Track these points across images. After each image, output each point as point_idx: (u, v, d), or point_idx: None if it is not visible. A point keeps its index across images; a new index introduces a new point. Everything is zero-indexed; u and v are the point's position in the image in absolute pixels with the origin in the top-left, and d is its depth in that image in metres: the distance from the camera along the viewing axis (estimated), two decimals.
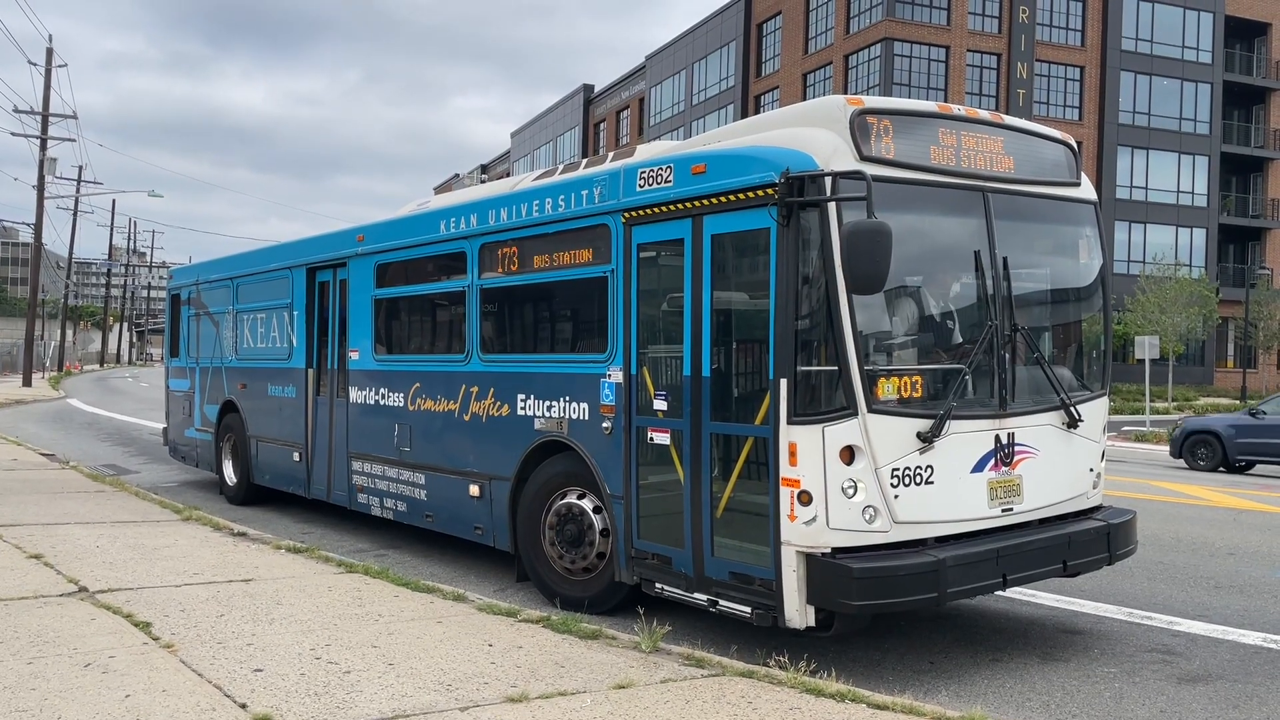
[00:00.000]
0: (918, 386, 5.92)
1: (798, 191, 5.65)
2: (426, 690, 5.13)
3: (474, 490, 8.33)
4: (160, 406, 16.49)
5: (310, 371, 11.00)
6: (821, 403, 5.65)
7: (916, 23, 46.14)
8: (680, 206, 6.38)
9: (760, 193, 5.84)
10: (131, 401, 34.70)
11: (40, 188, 41.99)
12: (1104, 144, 49.11)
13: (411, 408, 9.15)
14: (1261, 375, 52.13)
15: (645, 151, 7.53)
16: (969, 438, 6.03)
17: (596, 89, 77.66)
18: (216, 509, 11.67)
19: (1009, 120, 6.69)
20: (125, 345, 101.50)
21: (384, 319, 9.87)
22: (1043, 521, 6.48)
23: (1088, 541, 6.52)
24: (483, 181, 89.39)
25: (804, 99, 51.51)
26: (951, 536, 5.96)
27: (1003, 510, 6.20)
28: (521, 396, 7.81)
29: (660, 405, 6.54)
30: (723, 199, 6.09)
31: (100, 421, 26.23)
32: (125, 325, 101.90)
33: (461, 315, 8.57)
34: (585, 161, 8.17)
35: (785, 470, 5.65)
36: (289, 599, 6.95)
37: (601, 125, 76.37)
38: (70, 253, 69.06)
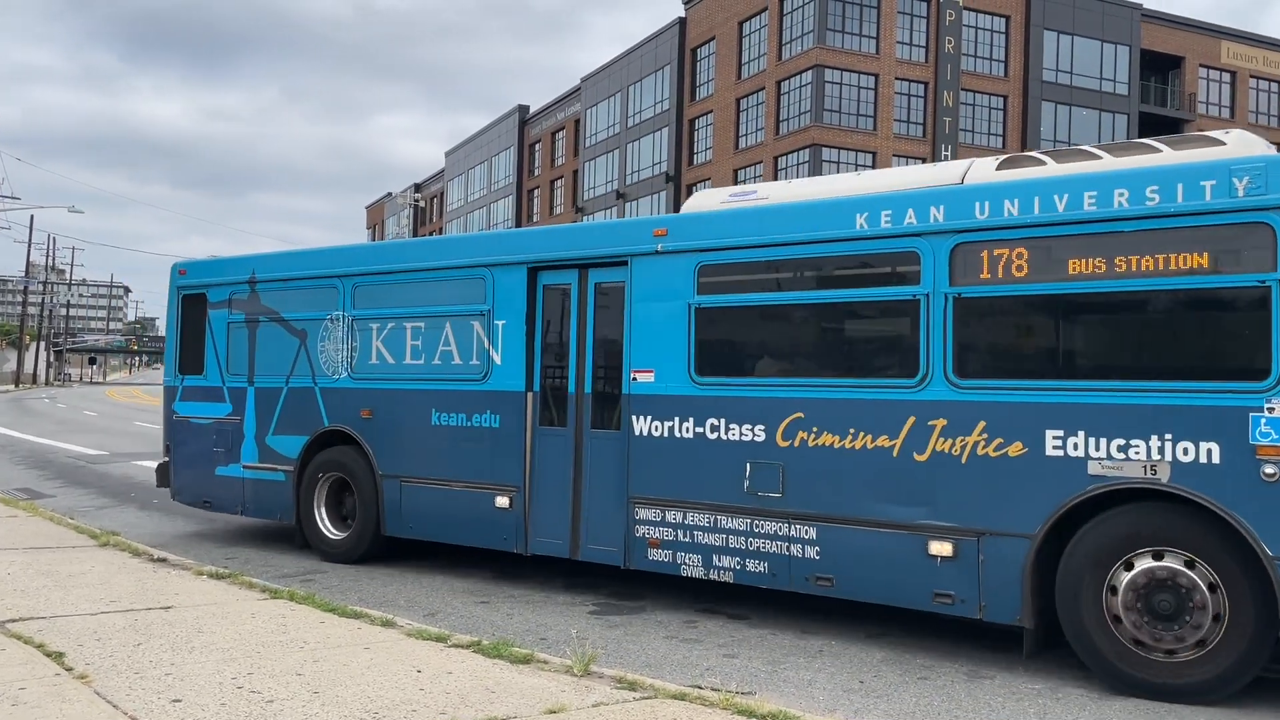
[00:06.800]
0: None
1: None
2: (352, 719, 5.02)
3: (940, 549, 6.74)
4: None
5: (531, 395, 8.89)
6: None
7: (847, 50, 47.04)
8: None
9: None
10: (48, 423, 33.58)
11: None
12: None
13: (784, 443, 7.44)
14: None
15: (1243, 139, 6.62)
16: None
17: (532, 110, 77.74)
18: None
19: None
20: (43, 365, 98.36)
21: (718, 333, 8.03)
22: None
23: None
24: (416, 202, 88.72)
25: (738, 124, 52.28)
26: None
27: None
28: (1055, 433, 6.36)
29: None
30: None
31: (14, 444, 25.31)
32: (43, 344, 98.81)
33: (902, 330, 7.12)
34: (1105, 148, 7.06)
35: None
36: (210, 627, 6.76)
37: (537, 145, 76.43)
38: None
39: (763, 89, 50.30)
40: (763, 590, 8.31)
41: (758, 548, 7.54)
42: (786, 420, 7.44)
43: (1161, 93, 55.93)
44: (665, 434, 8.04)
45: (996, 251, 6.67)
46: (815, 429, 7.31)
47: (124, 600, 7.49)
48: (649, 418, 8.14)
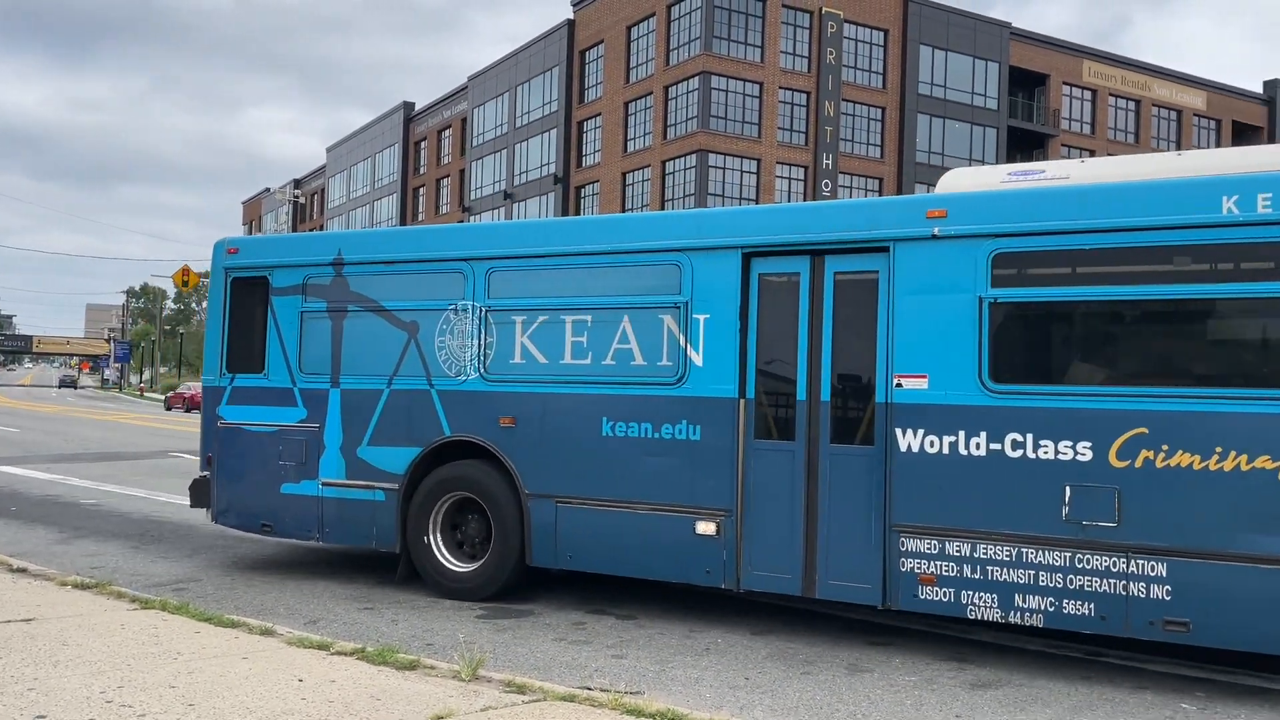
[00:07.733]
0: None
1: None
2: None
3: None
4: None
5: (743, 403, 7.59)
6: None
7: (733, 58, 47.79)
8: None
9: None
10: None
11: None
12: (903, 182, 52.23)
13: (1119, 463, 6.37)
14: None
15: None
16: None
17: (417, 107, 76.59)
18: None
19: None
20: None
21: (1020, 332, 7.00)
22: None
23: None
24: (296, 198, 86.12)
25: (626, 127, 52.53)
26: None
27: None
28: None
29: None
30: None
31: None
32: None
33: None
34: None
35: None
36: (76, 639, 6.46)
37: (422, 144, 75.30)
38: None
39: (650, 94, 50.68)
40: (650, 590, 8.40)
41: (1081, 586, 6.46)
42: (1124, 437, 6.39)
43: (1028, 108, 58.53)
44: (945, 450, 6.88)
45: None
46: (1165, 447, 6.26)
47: None
48: (920, 431, 6.98)
